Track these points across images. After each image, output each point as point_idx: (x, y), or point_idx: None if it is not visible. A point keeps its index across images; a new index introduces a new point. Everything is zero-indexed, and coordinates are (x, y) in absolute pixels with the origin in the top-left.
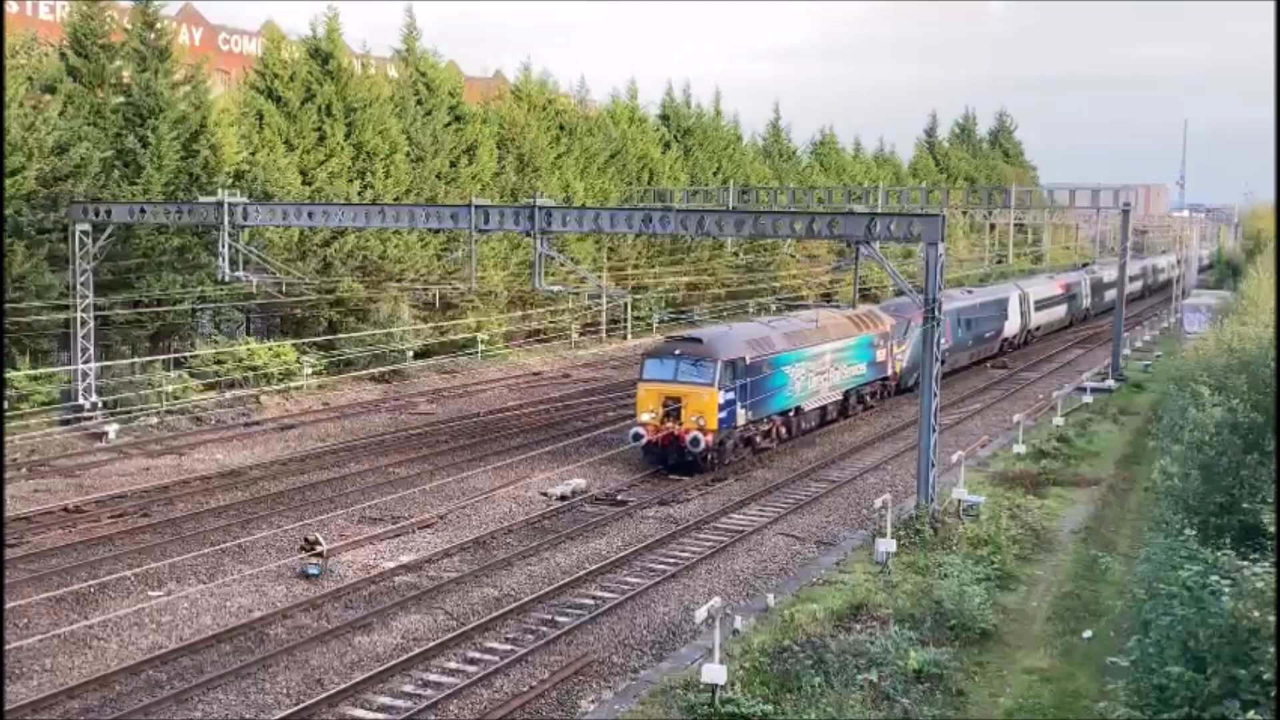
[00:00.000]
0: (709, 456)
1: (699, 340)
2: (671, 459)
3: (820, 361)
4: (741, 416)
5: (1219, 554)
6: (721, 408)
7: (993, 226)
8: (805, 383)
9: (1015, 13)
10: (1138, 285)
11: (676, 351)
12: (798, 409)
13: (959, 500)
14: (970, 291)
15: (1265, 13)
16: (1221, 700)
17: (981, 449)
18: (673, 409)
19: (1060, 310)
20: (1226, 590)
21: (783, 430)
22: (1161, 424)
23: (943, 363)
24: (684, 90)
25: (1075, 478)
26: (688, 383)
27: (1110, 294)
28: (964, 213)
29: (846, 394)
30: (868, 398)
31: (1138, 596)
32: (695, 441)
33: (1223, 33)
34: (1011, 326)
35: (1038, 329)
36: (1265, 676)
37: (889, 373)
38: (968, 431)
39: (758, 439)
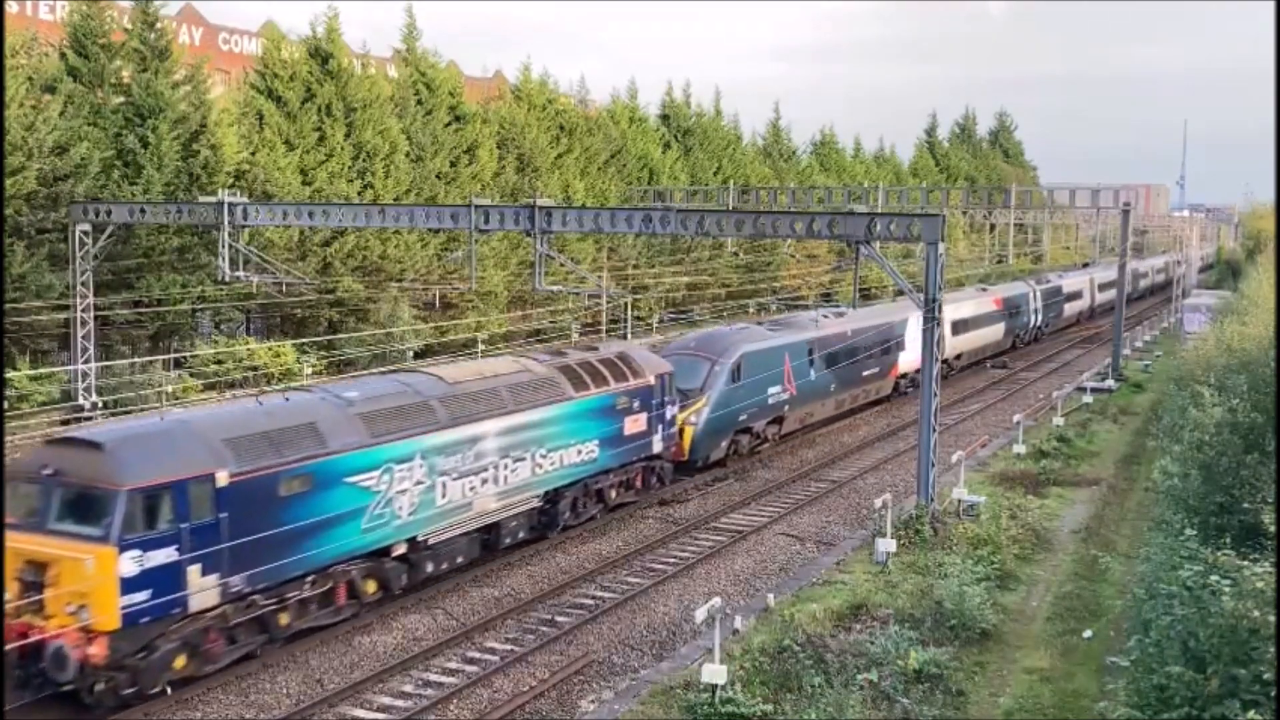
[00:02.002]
0: (95, 685)
1: (97, 447)
2: (34, 685)
3: (469, 454)
4: (209, 592)
5: (1219, 554)
6: (134, 583)
7: (993, 226)
8: (427, 496)
9: (1015, 13)
10: (1113, 294)
11: (48, 471)
12: (413, 543)
13: (959, 500)
14: (841, 313)
15: (1265, 13)
16: (1221, 700)
17: (981, 449)
18: (35, 586)
19: (995, 331)
20: (1226, 590)
21: (367, 587)
22: (1161, 424)
23: (779, 421)
24: (684, 90)
25: (1075, 478)
26: (63, 534)
27: (1071, 307)
28: (964, 213)
29: (555, 494)
30: (611, 491)
31: (1138, 596)
32: (59, 660)
33: (1223, 33)
34: (912, 359)
35: (959, 357)
36: (1265, 676)
37: (657, 449)
38: (968, 431)
39: (281, 619)
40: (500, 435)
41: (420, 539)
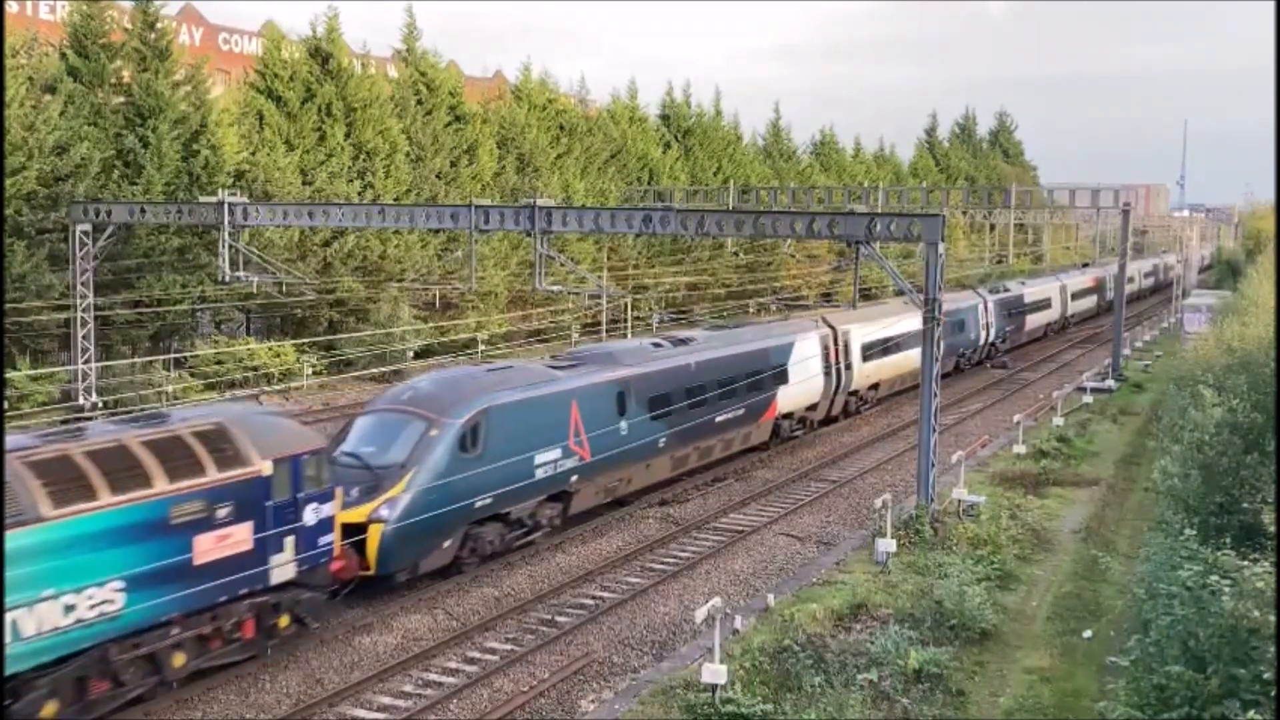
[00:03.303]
0: None
1: None
2: None
3: None
4: None
5: (1219, 554)
6: None
7: (993, 226)
8: None
9: (1015, 13)
10: (1090, 302)
11: None
12: None
13: (959, 500)
14: (686, 340)
15: (1265, 13)
16: (1221, 700)
17: (981, 449)
18: None
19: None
20: (1226, 590)
21: None
22: (1161, 424)
23: (563, 499)
24: (684, 90)
25: (1075, 478)
26: None
27: (1036, 319)
28: (964, 213)
29: (14, 682)
30: (174, 656)
31: (1138, 596)
32: None
33: (1223, 33)
34: (800, 394)
35: (874, 388)
36: (1265, 676)
37: (281, 576)
38: (968, 431)
39: None
40: None
41: None
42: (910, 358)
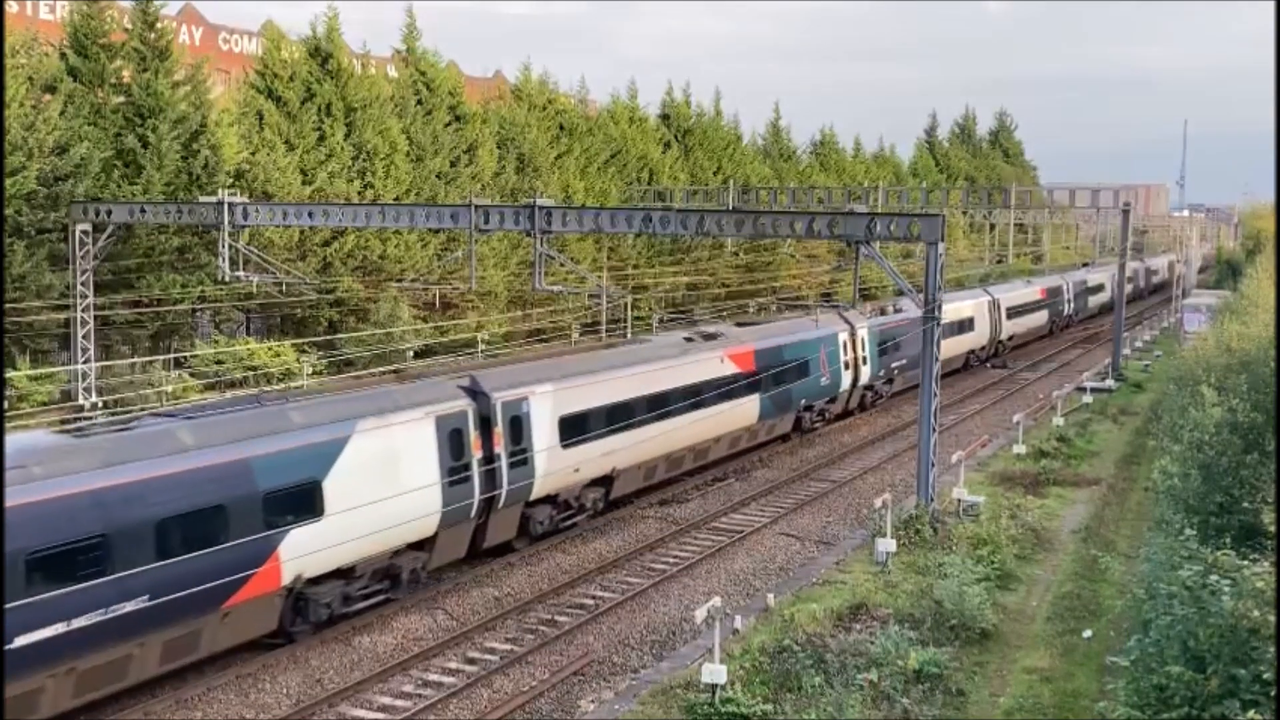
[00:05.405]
0: None
1: None
2: None
3: None
4: None
5: (1219, 554)
6: None
7: (993, 226)
8: None
9: (1015, 13)
10: (1038, 319)
11: None
12: None
13: (959, 500)
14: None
15: (1265, 13)
16: (1221, 700)
17: (981, 449)
18: None
19: (733, 412)
20: (1226, 590)
21: None
22: (1161, 424)
23: None
24: (684, 90)
25: (1075, 478)
26: None
27: (949, 346)
28: (964, 213)
29: None
30: None
31: (1138, 596)
32: None
33: (1223, 33)
34: (366, 532)
35: (602, 482)
36: (1265, 676)
37: None
38: (968, 431)
39: None
40: None
41: None
42: (695, 424)
